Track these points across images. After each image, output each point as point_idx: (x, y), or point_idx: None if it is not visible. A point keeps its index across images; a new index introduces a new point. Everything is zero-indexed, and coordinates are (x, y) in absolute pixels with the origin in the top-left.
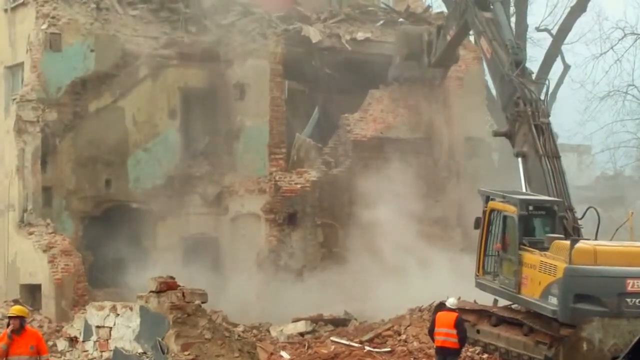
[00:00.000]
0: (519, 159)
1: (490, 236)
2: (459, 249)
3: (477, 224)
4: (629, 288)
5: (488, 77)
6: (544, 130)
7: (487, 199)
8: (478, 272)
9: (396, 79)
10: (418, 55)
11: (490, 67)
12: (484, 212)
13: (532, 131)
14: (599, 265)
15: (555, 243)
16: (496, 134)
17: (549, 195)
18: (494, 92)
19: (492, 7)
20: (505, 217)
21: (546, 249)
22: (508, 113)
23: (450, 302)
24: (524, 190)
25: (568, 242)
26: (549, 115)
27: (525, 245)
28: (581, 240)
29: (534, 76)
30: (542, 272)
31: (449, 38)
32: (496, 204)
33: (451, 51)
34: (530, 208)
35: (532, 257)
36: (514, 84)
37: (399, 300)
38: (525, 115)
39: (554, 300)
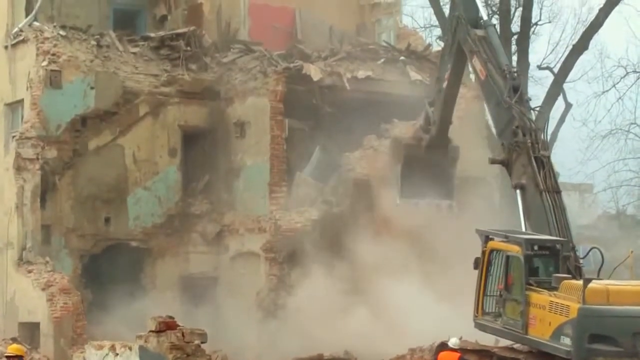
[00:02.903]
0: (517, 191)
1: (489, 276)
2: (459, 288)
3: (477, 264)
4: None
5: (489, 116)
6: (545, 164)
7: (487, 238)
8: (477, 312)
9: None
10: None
11: (484, 89)
12: (483, 252)
13: (532, 164)
14: (611, 304)
15: (565, 283)
16: (493, 161)
17: (550, 232)
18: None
19: (485, 30)
20: (508, 257)
21: (554, 289)
22: (504, 140)
23: (453, 342)
24: (522, 223)
25: (579, 282)
26: (548, 148)
27: (532, 285)
28: (593, 280)
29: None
30: (553, 312)
31: (445, 85)
32: (497, 244)
33: (451, 103)
34: (535, 248)
35: (540, 297)
36: (513, 112)
37: (400, 340)
38: (524, 147)
39: (567, 340)
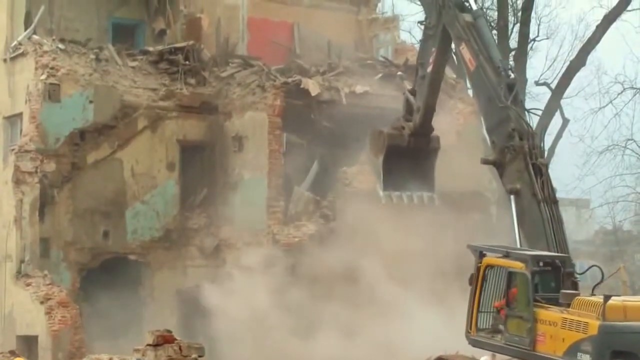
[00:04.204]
0: (511, 197)
1: (483, 292)
2: (455, 303)
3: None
4: None
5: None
6: (543, 172)
7: (481, 254)
8: (470, 329)
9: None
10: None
11: (473, 81)
12: (478, 268)
13: (530, 171)
14: (628, 321)
15: (578, 299)
16: (485, 161)
17: (548, 245)
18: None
19: (475, 20)
20: (510, 274)
21: (563, 305)
22: (495, 138)
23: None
24: (515, 231)
25: (595, 299)
26: (544, 155)
27: (539, 301)
28: (612, 297)
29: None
30: (567, 329)
31: (429, 70)
32: (495, 260)
33: (436, 88)
34: (541, 264)
35: (550, 314)
36: (509, 113)
37: (398, 355)
38: (521, 152)
39: (585, 357)
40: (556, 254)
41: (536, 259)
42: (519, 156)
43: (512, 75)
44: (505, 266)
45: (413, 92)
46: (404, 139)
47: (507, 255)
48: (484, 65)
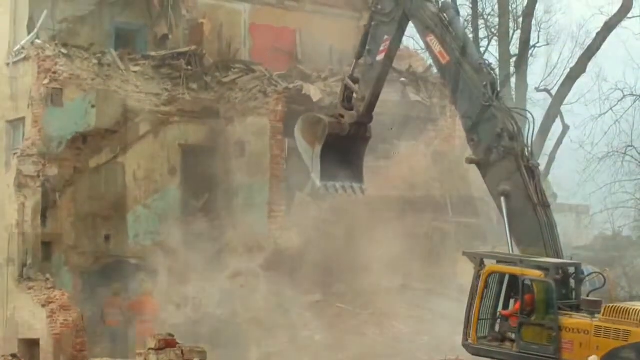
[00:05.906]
0: (502, 198)
1: (483, 300)
2: (456, 308)
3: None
4: None
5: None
6: (535, 175)
7: (481, 261)
8: (469, 337)
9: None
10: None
11: (448, 76)
12: (479, 275)
13: (523, 173)
14: None
15: (609, 307)
16: (470, 161)
17: (546, 251)
18: None
19: (444, 13)
20: (525, 281)
21: (584, 312)
22: (475, 137)
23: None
24: (507, 233)
25: (630, 305)
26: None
27: (561, 309)
28: None
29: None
30: (603, 337)
31: (379, 58)
32: (502, 267)
33: (384, 78)
34: (560, 272)
35: (579, 321)
36: (495, 112)
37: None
38: (513, 153)
39: None
40: (571, 261)
41: (556, 267)
42: (509, 157)
43: (492, 73)
44: (518, 274)
45: (353, 79)
46: (344, 127)
47: (517, 263)
48: (461, 61)
